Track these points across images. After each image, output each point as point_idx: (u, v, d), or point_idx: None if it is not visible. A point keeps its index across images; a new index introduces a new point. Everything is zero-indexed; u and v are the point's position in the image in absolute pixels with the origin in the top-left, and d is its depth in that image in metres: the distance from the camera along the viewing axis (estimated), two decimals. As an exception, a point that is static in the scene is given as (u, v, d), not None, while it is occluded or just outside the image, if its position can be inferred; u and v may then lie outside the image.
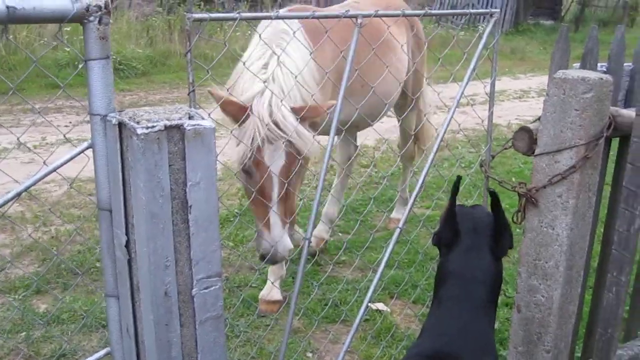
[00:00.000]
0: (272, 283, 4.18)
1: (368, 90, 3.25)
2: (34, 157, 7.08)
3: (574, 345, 2.99)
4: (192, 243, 1.53)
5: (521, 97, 12.58)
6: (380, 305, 4.36)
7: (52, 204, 5.81)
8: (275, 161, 3.08)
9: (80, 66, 1.57)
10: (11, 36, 11.20)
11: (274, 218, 3.17)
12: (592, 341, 3.00)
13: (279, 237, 3.22)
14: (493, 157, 2.46)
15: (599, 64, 2.57)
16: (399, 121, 5.40)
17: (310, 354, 3.83)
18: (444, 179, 7.04)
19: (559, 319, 2.32)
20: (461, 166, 7.45)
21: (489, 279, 2.03)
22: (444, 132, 2.13)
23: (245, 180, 3.25)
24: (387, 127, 8.39)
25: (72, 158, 1.56)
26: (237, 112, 2.96)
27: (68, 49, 10.92)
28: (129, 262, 1.56)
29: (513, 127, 9.36)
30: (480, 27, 18.82)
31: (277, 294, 4.22)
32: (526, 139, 2.30)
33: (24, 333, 3.72)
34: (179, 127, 1.46)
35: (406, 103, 4.66)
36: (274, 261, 3.35)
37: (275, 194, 3.14)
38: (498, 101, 12.32)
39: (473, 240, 2.06)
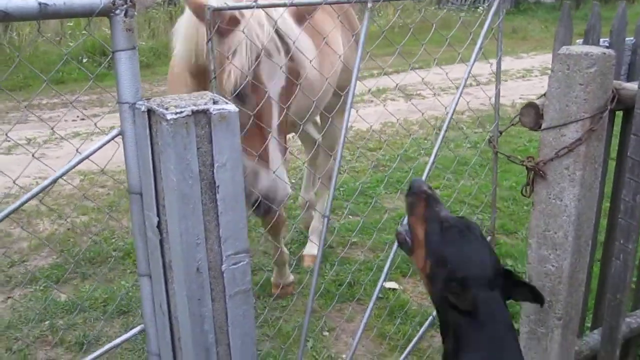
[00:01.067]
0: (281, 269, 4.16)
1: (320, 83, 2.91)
2: (44, 152, 7.19)
3: (584, 316, 3.08)
4: (221, 221, 1.61)
5: (524, 76, 12.59)
6: (393, 284, 4.46)
7: (66, 197, 5.91)
8: (274, 81, 2.58)
9: (84, 60, 1.65)
10: (15, 34, 11.27)
11: (274, 150, 2.62)
12: (601, 311, 3.09)
13: (280, 173, 2.64)
14: (501, 132, 2.53)
15: (601, 40, 2.63)
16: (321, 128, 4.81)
17: (326, 333, 3.94)
18: (449, 159, 7.13)
19: (569, 287, 2.40)
20: (467, 146, 7.54)
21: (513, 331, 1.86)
22: (452, 112, 2.20)
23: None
24: (392, 110, 8.47)
25: (102, 145, 1.64)
26: (227, 21, 2.43)
27: (71, 44, 10.98)
28: (161, 242, 1.65)
29: (517, 106, 9.40)
30: (480, 8, 18.79)
31: (289, 277, 4.26)
32: (532, 114, 2.37)
33: (47, 322, 3.83)
34: (205, 112, 1.54)
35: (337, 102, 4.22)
36: (268, 209, 2.67)
37: (274, 121, 2.62)
38: (502, 81, 12.37)
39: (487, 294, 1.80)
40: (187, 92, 2.48)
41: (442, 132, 2.21)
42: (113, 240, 5.05)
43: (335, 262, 4.76)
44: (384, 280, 2.53)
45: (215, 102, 1.58)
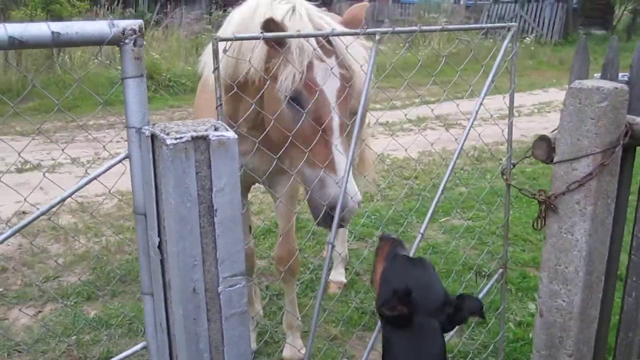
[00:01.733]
0: (289, 342, 3.81)
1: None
2: (88, 171, 7.42)
3: (603, 354, 3.01)
4: (218, 244, 1.66)
5: (568, 108, 12.38)
6: (417, 314, 4.43)
7: (103, 215, 6.08)
8: (329, 83, 2.49)
9: (118, 84, 1.74)
10: (67, 56, 11.70)
11: (338, 155, 2.46)
12: (623, 349, 3.02)
13: (349, 179, 2.44)
14: (514, 165, 2.53)
15: (620, 74, 2.62)
16: None
17: (346, 359, 3.94)
18: (484, 189, 7.07)
19: (580, 324, 2.37)
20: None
21: (443, 356, 1.90)
22: (464, 142, 2.22)
23: (291, 120, 2.50)
24: (431, 139, 8.44)
25: (110, 167, 1.72)
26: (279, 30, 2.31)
27: (119, 67, 11.33)
28: (162, 261, 1.71)
29: (558, 139, 9.27)
30: (527, 39, 18.67)
31: (299, 353, 3.80)
32: (545, 147, 2.37)
33: (74, 337, 3.93)
34: (204, 138, 1.60)
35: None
36: (339, 219, 2.42)
37: (335, 123, 2.48)
38: (544, 112, 12.21)
39: (427, 320, 1.87)
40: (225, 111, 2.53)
41: (452, 164, 2.23)
42: (145, 259, 5.16)
43: (361, 291, 4.77)
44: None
45: (216, 129, 1.65)
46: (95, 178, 1.71)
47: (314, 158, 2.46)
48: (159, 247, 1.70)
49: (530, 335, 4.06)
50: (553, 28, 20.84)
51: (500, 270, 2.60)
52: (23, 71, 10.92)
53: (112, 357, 3.73)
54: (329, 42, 2.52)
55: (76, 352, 3.77)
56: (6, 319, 4.20)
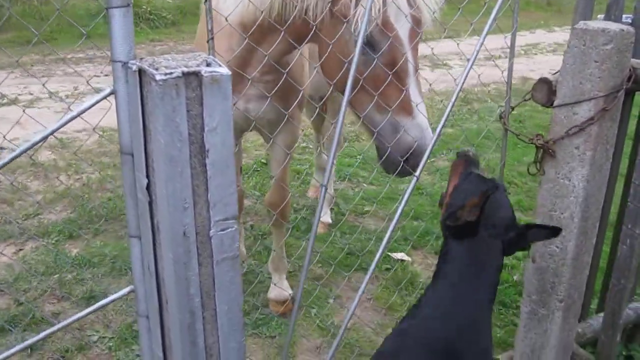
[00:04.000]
0: (276, 283, 3.77)
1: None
2: (71, 107, 7.21)
3: (589, 298, 3.03)
4: (210, 186, 1.58)
5: (555, 50, 12.31)
6: (401, 255, 4.44)
7: (84, 152, 5.95)
8: (401, 23, 2.36)
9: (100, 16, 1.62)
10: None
11: (416, 96, 2.39)
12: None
13: (425, 123, 2.39)
14: (512, 108, 2.46)
15: (624, 16, 2.53)
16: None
17: (331, 301, 3.94)
18: (473, 131, 7.03)
19: (572, 269, 2.35)
20: (491, 119, 7.41)
21: (496, 278, 1.95)
22: (462, 83, 2.14)
23: (361, 64, 2.33)
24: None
25: (94, 104, 1.62)
26: None
27: (99, -1, 10.95)
28: (150, 204, 1.63)
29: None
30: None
31: (285, 292, 3.79)
32: (545, 90, 2.29)
33: (56, 275, 3.88)
34: (196, 74, 1.50)
35: None
36: (416, 163, 2.34)
37: (411, 65, 2.39)
38: (531, 54, 12.10)
39: (490, 236, 1.91)
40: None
41: (450, 106, 2.15)
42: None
43: (347, 231, 4.76)
44: (385, 248, 2.44)
45: (208, 64, 1.55)
46: (79, 115, 1.61)
47: (388, 103, 2.35)
48: (147, 188, 1.62)
49: (515, 277, 4.09)
50: (542, -32, 20.45)
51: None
52: (-2, 1, 10.51)
53: (95, 296, 3.71)
54: None
55: (59, 291, 3.73)
56: (-14, 256, 4.14)
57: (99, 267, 3.99)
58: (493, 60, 2.93)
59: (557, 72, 2.31)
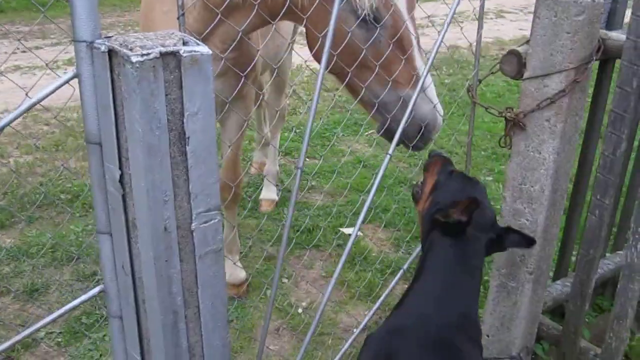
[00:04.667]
0: (234, 263, 3.61)
1: None
2: (24, 82, 6.70)
3: (566, 270, 3.08)
4: (191, 176, 1.46)
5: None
6: (352, 230, 4.39)
7: (8, 135, 5.58)
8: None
9: None
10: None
11: (422, 69, 2.35)
12: (565, 262, 3.10)
13: (433, 93, 2.39)
14: (480, 81, 2.42)
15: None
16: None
17: (285, 280, 3.86)
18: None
19: (542, 242, 2.36)
20: (444, 87, 7.43)
21: (481, 275, 2.00)
22: (435, 53, 2.07)
23: (362, 39, 2.28)
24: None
25: (56, 89, 1.45)
26: None
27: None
28: (124, 197, 1.49)
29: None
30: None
31: (241, 273, 3.66)
32: (514, 62, 2.26)
33: (-8, 268, 3.63)
34: (174, 54, 1.36)
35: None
36: (428, 138, 2.42)
37: (414, 37, 2.36)
38: (457, 22, 12.21)
39: (475, 234, 1.95)
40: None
41: (422, 78, 2.08)
42: (60, 182, 4.80)
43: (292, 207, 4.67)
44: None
45: (185, 43, 1.41)
46: (39, 102, 1.44)
47: (395, 76, 2.30)
48: (120, 181, 1.47)
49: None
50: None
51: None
52: None
53: (37, 289, 3.49)
54: None
55: (-3, 286, 3.49)
56: None
57: (38, 258, 3.76)
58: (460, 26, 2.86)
59: (524, 44, 2.28)
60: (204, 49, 1.40)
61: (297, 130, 6.26)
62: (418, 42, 2.38)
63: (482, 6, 2.39)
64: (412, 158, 5.55)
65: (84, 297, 1.68)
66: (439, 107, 2.39)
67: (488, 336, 2.61)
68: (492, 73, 2.36)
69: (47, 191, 4.58)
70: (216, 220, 1.54)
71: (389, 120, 2.36)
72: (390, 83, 2.32)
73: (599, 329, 3.00)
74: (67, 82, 1.46)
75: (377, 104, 2.38)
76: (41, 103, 1.61)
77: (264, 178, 4.84)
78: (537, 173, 2.28)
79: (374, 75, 2.29)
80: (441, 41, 2.06)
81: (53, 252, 3.80)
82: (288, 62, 4.56)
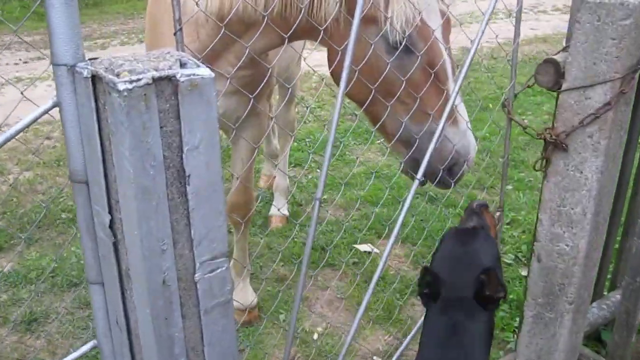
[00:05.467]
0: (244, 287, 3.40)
1: None
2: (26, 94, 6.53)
3: (601, 295, 2.85)
4: (193, 219, 1.25)
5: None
6: (367, 247, 4.18)
7: (7, 150, 5.40)
8: (434, 20, 2.14)
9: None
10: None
11: (459, 101, 2.21)
12: (601, 282, 2.87)
13: (468, 132, 2.25)
14: (516, 95, 2.19)
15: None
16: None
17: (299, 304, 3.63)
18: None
19: (584, 269, 2.13)
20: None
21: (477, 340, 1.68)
22: (474, 51, 1.85)
23: (396, 68, 2.13)
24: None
25: (34, 121, 1.25)
26: None
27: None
28: (115, 245, 1.28)
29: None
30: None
31: (252, 297, 3.44)
32: (552, 72, 2.03)
33: (-12, 297, 3.43)
34: (170, 79, 1.15)
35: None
36: (460, 175, 2.29)
37: (449, 66, 2.20)
38: (466, 23, 11.98)
39: (455, 295, 1.67)
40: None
41: (460, 78, 1.86)
42: (61, 199, 4.60)
43: (302, 221, 4.45)
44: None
45: (183, 65, 1.20)
46: (14, 136, 1.24)
47: (428, 109, 2.15)
48: (111, 226, 1.26)
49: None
50: None
51: (497, 213, 2.31)
52: None
53: (36, 318, 3.29)
54: None
55: (-8, 316, 3.29)
56: None
57: (38, 283, 3.56)
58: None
59: (561, 51, 2.06)
60: (205, 71, 1.19)
61: (307, 140, 6.05)
62: (454, 70, 2.21)
63: (519, 10, 2.17)
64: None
65: (75, 355, 1.46)
66: (474, 143, 2.21)
67: (523, 370, 2.39)
68: (528, 87, 2.13)
69: (47, 210, 4.38)
70: (224, 269, 1.33)
71: (422, 155, 2.13)
72: (420, 116, 2.14)
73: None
74: (46, 112, 1.25)
75: (401, 136, 2.21)
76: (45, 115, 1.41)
77: (274, 193, 4.62)
78: (578, 194, 2.05)
79: (401, 105, 2.10)
80: (473, 55, 1.84)
81: (53, 277, 3.60)
82: (297, 72, 4.36)
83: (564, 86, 2.00)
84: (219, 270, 1.32)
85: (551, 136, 1.99)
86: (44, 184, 4.84)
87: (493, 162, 5.45)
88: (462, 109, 2.18)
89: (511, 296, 3.63)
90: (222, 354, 1.39)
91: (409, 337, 2.57)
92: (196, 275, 1.29)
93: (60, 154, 5.38)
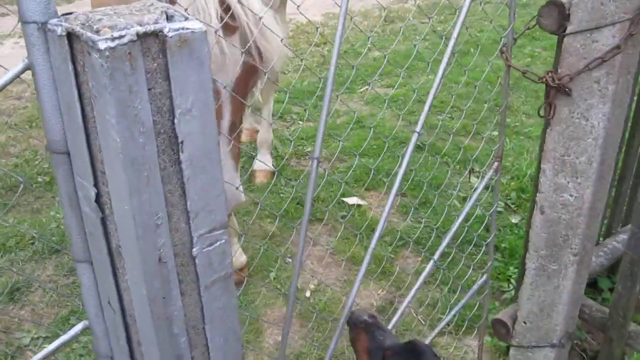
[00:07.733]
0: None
1: None
2: None
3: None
4: (188, 190, 1.14)
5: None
6: (356, 200, 4.09)
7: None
8: (222, 75, 2.34)
9: None
10: None
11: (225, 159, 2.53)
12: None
13: (233, 178, 2.60)
14: (515, 40, 2.08)
15: None
16: None
17: (289, 259, 3.57)
18: (400, 54, 6.65)
19: (588, 220, 2.07)
20: (417, 38, 7.01)
21: None
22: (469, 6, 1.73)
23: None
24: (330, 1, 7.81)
25: (3, 87, 1.11)
26: None
27: None
28: (103, 220, 1.16)
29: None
30: None
31: (241, 257, 3.40)
32: (555, 14, 1.92)
33: (-33, 267, 3.31)
34: (156, 34, 1.02)
35: None
36: None
37: (225, 126, 2.51)
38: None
39: None
40: None
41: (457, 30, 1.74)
42: (37, 162, 4.43)
43: (289, 177, 4.35)
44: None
45: (169, 18, 1.06)
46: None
47: None
48: (97, 200, 1.15)
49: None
50: None
51: (495, 164, 2.22)
52: None
53: (19, 288, 3.18)
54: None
55: (-28, 287, 3.17)
56: None
57: (17, 251, 3.43)
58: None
59: (565, -9, 1.93)
60: (195, 24, 1.05)
61: (287, 90, 5.89)
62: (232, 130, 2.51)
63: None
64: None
65: (65, 338, 1.36)
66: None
67: (525, 323, 2.35)
68: (528, 29, 2.02)
69: (23, 173, 4.22)
70: (223, 241, 1.22)
71: None
72: None
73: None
74: (17, 76, 1.11)
75: None
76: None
77: (258, 147, 4.49)
78: (584, 143, 1.97)
79: None
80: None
81: (33, 243, 3.47)
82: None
83: (569, 29, 1.89)
84: (218, 244, 1.22)
85: (554, 80, 1.89)
86: (17, 147, 4.65)
87: (476, 108, 5.35)
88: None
89: (504, 245, 3.60)
90: (224, 331, 1.30)
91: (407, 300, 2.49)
92: (194, 249, 1.19)
93: (31, 114, 5.18)
